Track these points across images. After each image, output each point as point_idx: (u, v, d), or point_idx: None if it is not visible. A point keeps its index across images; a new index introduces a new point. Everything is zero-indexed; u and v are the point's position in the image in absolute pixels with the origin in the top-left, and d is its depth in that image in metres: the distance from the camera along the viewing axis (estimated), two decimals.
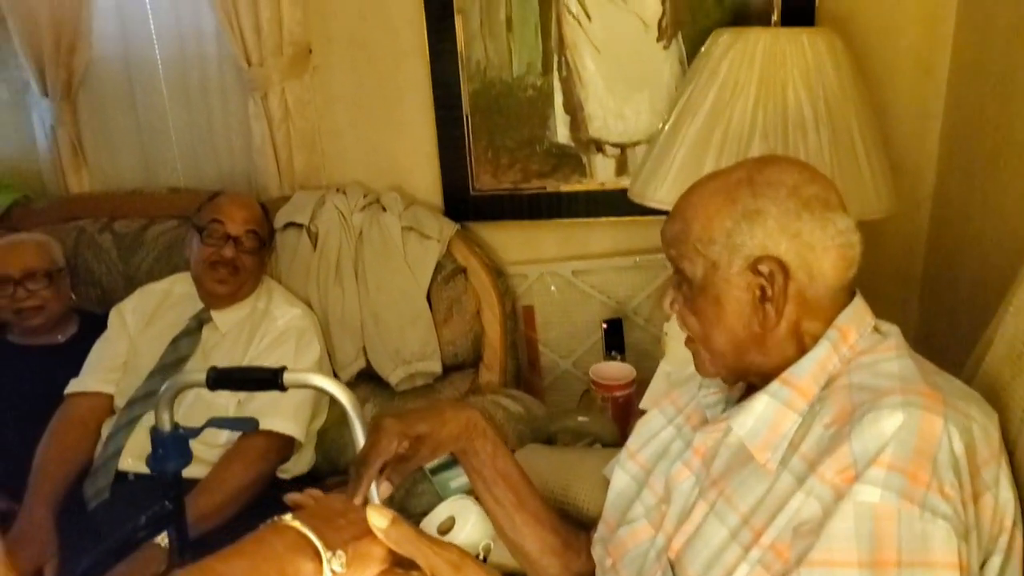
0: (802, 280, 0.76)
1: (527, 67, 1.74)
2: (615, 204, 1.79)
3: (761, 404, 0.78)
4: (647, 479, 0.92)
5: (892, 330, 0.80)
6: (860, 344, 0.78)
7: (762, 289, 0.77)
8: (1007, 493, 0.69)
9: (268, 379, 0.94)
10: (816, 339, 0.78)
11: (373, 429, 0.81)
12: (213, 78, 1.91)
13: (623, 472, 0.97)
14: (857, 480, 0.65)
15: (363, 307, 1.66)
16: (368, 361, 1.67)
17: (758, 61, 1.23)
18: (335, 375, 1.63)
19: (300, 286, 1.68)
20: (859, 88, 1.27)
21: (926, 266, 1.70)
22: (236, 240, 1.51)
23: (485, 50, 1.74)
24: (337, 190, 1.81)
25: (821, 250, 0.76)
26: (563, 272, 1.86)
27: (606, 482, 1.01)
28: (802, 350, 0.79)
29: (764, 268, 0.76)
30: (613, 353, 1.68)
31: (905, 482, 0.64)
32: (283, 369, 0.95)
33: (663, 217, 0.86)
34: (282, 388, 0.95)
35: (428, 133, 1.84)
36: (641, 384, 1.50)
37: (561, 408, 1.52)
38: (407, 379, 1.65)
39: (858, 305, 0.80)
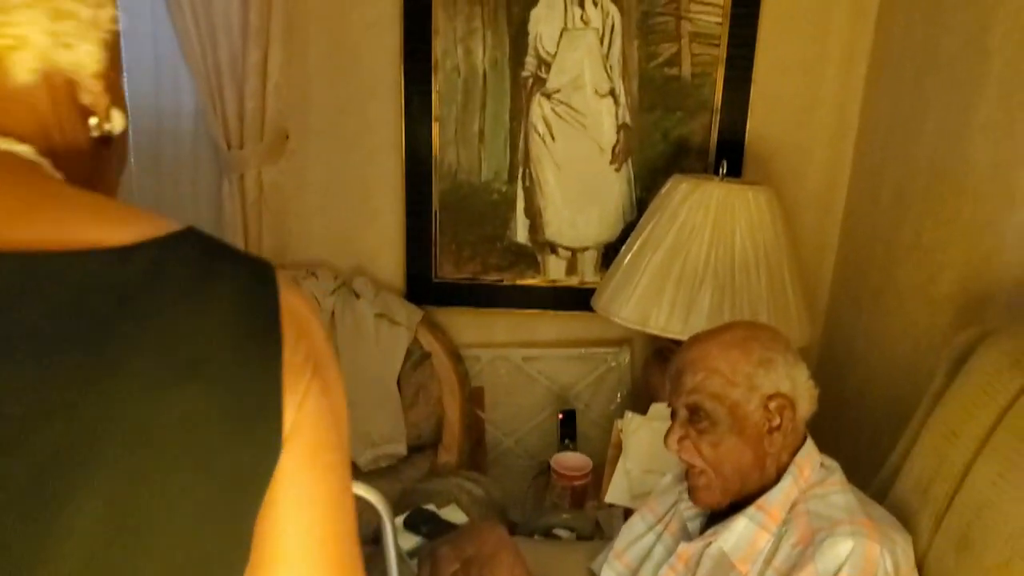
0: (797, 415, 1.00)
1: (494, 174, 1.93)
2: (564, 299, 2.00)
3: (741, 525, 0.99)
4: None
5: (834, 465, 1.04)
6: (812, 477, 1.01)
7: (771, 421, 0.98)
8: None
9: None
10: (785, 467, 1.01)
11: (430, 560, 0.95)
12: (187, 154, 1.95)
13: (611, 571, 1.16)
14: None
15: None
16: None
17: (712, 210, 1.48)
18: None
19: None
20: (787, 236, 1.56)
21: (817, 371, 2.02)
22: None
23: (457, 156, 1.92)
24: (307, 271, 1.90)
25: (803, 391, 1.00)
26: (514, 357, 2.04)
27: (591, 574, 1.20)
28: (776, 475, 1.01)
29: (774, 404, 0.98)
30: (567, 442, 1.87)
31: None
32: None
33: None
34: None
35: (397, 222, 1.98)
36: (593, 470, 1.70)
37: (534, 500, 1.68)
38: (373, 460, 1.76)
39: (809, 445, 1.04)
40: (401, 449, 1.77)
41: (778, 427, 0.98)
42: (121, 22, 0.54)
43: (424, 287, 2.00)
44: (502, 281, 2.01)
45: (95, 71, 0.50)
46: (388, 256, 2.01)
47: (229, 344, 0.44)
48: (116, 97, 0.54)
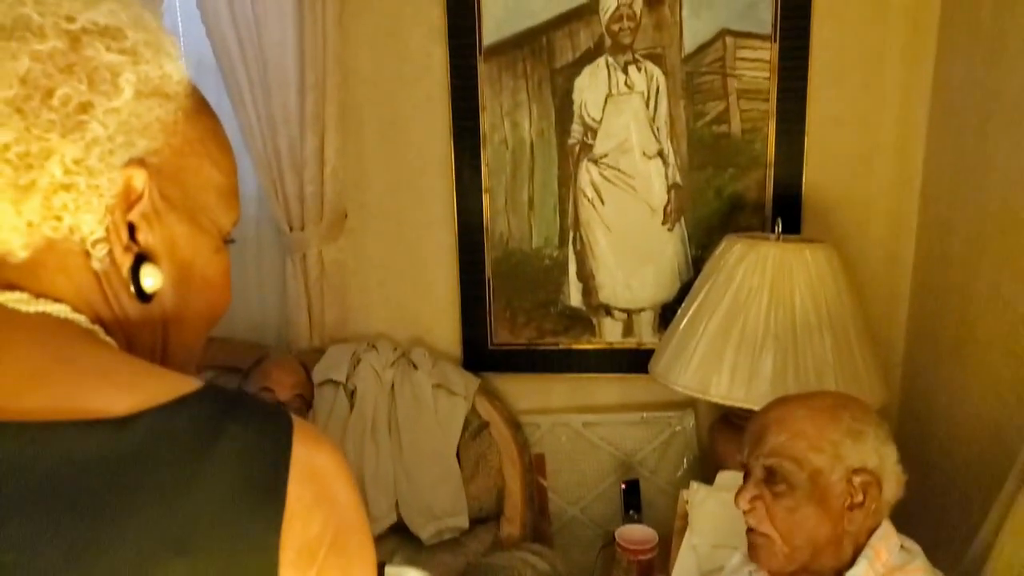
0: (879, 495, 0.94)
1: (545, 240, 1.94)
2: (622, 362, 1.97)
3: None
4: None
5: (916, 549, 0.97)
6: (891, 561, 0.94)
7: (851, 496, 0.93)
8: None
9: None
10: (860, 548, 0.94)
11: None
12: (251, 236, 2.04)
13: None
14: None
15: (396, 463, 1.77)
16: (399, 515, 1.76)
17: (769, 271, 1.44)
18: None
19: (336, 441, 1.78)
20: (852, 294, 1.50)
21: (898, 430, 1.91)
22: (284, 405, 1.62)
23: (508, 224, 1.94)
24: (368, 344, 1.93)
25: (891, 472, 0.94)
26: (574, 423, 2.01)
27: None
28: (853, 557, 0.94)
29: (858, 480, 0.92)
30: (631, 513, 1.81)
31: None
32: (383, 564, 1.05)
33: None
34: None
35: (451, 293, 2.01)
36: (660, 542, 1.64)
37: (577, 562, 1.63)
38: (436, 534, 1.74)
39: (887, 527, 0.97)
40: (463, 522, 1.75)
41: (860, 504, 0.92)
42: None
43: (480, 355, 2.01)
44: (558, 345, 1.99)
45: (99, 238, 0.50)
46: (445, 326, 2.03)
47: (222, 517, 0.43)
48: (154, 253, 0.53)
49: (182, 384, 0.47)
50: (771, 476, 0.97)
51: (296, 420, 0.49)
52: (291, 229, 1.94)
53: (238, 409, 0.47)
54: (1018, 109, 1.41)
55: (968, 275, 1.58)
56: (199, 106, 0.57)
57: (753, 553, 1.01)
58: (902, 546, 0.97)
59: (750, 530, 1.00)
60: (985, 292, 1.51)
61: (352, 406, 1.80)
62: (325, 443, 0.49)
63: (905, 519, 1.85)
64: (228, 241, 0.60)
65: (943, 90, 1.74)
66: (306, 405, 1.67)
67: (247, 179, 2.01)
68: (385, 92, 1.94)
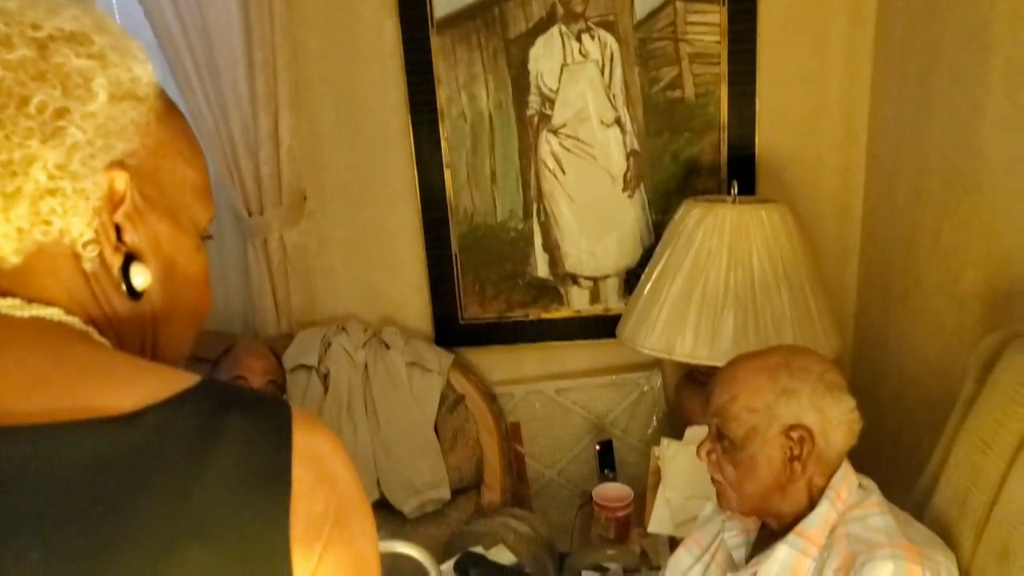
0: (821, 445, 1.00)
1: (510, 213, 1.97)
2: (590, 328, 2.02)
3: (783, 552, 0.99)
4: None
5: (871, 485, 1.04)
6: (850, 499, 1.01)
7: (790, 450, 0.99)
8: None
9: None
10: (821, 491, 1.01)
11: None
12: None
13: None
14: None
15: (374, 441, 1.80)
16: (381, 492, 1.79)
17: (727, 233, 1.49)
18: None
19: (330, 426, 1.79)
20: (806, 250, 1.56)
21: (852, 376, 2.01)
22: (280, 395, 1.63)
23: (472, 199, 1.96)
24: (337, 327, 1.94)
25: (836, 423, 1.00)
26: (547, 390, 2.06)
27: None
28: (811, 499, 1.02)
29: (795, 434, 0.99)
30: (607, 472, 1.88)
31: None
32: None
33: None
34: None
35: (419, 270, 2.02)
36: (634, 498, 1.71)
37: (586, 542, 1.68)
38: (418, 507, 1.78)
39: (846, 467, 1.04)
40: (445, 494, 1.80)
41: (798, 457, 0.99)
42: None
43: (452, 330, 2.03)
44: (528, 316, 2.03)
45: (89, 239, 0.51)
46: (414, 303, 2.05)
47: (232, 501, 0.46)
48: (141, 252, 0.55)
49: (181, 379, 0.49)
50: (719, 432, 1.04)
51: (294, 408, 0.51)
52: (250, 214, 1.92)
53: (238, 401, 0.50)
54: (956, 65, 1.47)
55: (912, 226, 1.66)
56: (169, 108, 0.58)
57: (717, 499, 1.08)
58: (860, 484, 1.04)
59: (712, 479, 1.07)
60: (928, 242, 1.59)
61: (326, 389, 1.82)
62: (322, 427, 0.52)
63: (862, 459, 1.94)
64: (205, 238, 0.62)
65: (885, 47, 1.79)
66: (279, 390, 1.68)
67: None
68: (338, 68, 1.92)
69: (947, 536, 1.02)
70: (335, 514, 0.49)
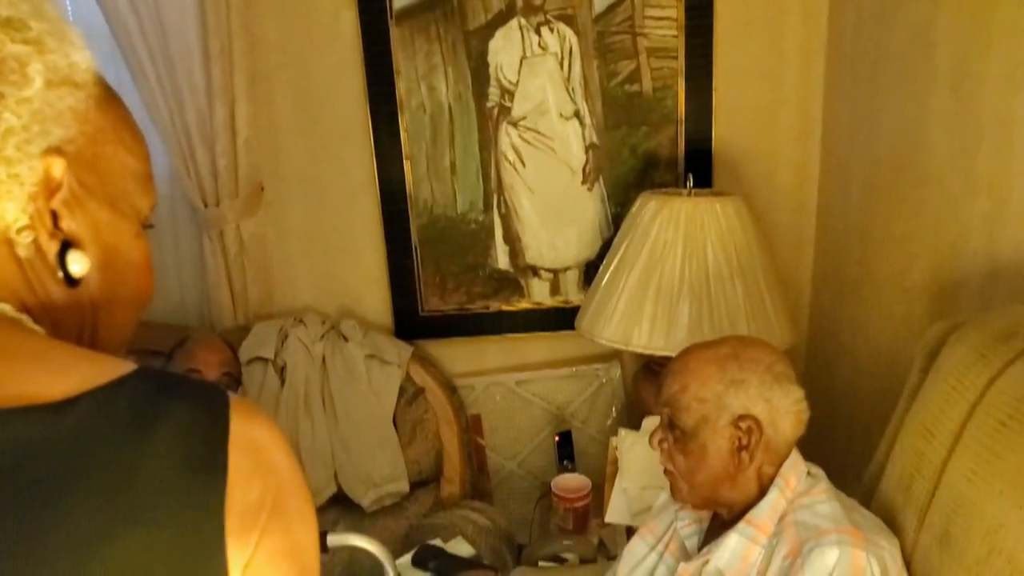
0: (769, 435, 1.02)
1: (470, 205, 1.96)
2: (550, 320, 2.03)
3: (733, 540, 1.01)
4: None
5: (819, 473, 1.06)
6: (799, 487, 1.03)
7: (739, 440, 1.01)
8: None
9: None
10: (771, 479, 1.03)
11: None
12: (165, 215, 1.98)
13: None
14: None
15: (332, 435, 1.78)
16: (339, 485, 1.78)
17: (682, 225, 1.51)
18: None
19: (270, 414, 1.77)
20: (760, 243, 1.58)
21: (807, 366, 2.05)
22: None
23: (432, 190, 1.95)
24: (294, 319, 1.92)
25: (783, 413, 1.02)
26: (507, 382, 2.06)
27: None
28: (760, 488, 1.03)
29: (744, 424, 1.00)
30: (565, 463, 1.89)
31: None
32: (325, 533, 1.08)
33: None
34: (325, 551, 1.08)
35: (378, 262, 2.01)
36: (593, 488, 1.72)
37: (544, 533, 1.70)
38: (377, 500, 1.77)
39: (795, 456, 1.06)
40: (403, 487, 1.79)
41: (746, 446, 1.00)
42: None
43: (412, 322, 2.02)
44: (488, 308, 2.03)
45: (23, 225, 0.50)
46: (374, 295, 2.03)
47: (168, 488, 0.45)
48: (78, 239, 0.54)
49: (116, 367, 0.49)
50: (670, 422, 1.05)
51: (231, 396, 0.51)
52: (206, 205, 1.88)
53: (175, 388, 0.49)
54: (903, 60, 1.51)
55: (864, 219, 1.70)
56: (108, 94, 0.57)
57: (669, 489, 1.09)
58: (809, 472, 1.06)
59: (664, 468, 1.09)
60: (879, 234, 1.62)
61: (283, 382, 1.80)
62: (260, 415, 0.52)
63: (817, 447, 1.98)
64: (147, 226, 0.61)
65: (837, 43, 1.82)
66: (235, 383, 1.66)
67: (156, 157, 1.93)
68: (295, 59, 1.89)
69: (892, 521, 1.05)
70: (273, 503, 0.49)
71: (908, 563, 1.00)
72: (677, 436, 1.05)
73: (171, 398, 0.48)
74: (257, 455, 0.49)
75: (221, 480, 0.47)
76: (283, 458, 0.51)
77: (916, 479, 1.02)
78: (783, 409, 1.01)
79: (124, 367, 0.49)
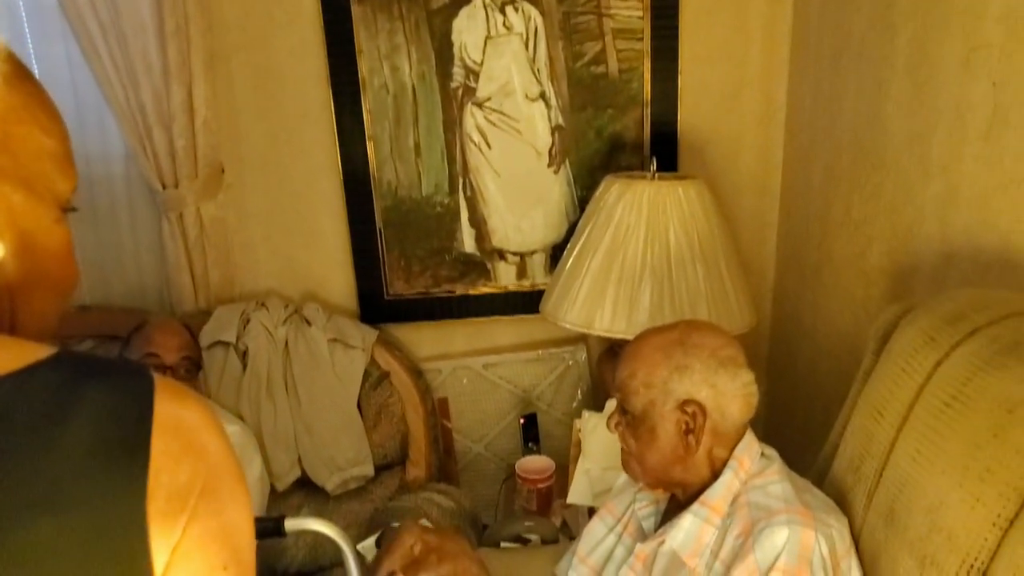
0: (716, 419, 1.03)
1: (435, 187, 1.94)
2: (517, 304, 2.03)
3: (688, 521, 1.02)
4: None
5: (773, 454, 1.08)
6: (753, 468, 1.04)
7: (686, 424, 1.02)
8: (857, 574, 0.98)
9: (271, 528, 1.06)
10: (724, 462, 1.04)
11: (396, 533, 0.97)
12: (121, 196, 1.93)
13: (576, 575, 1.18)
14: None
15: (295, 419, 1.76)
16: (303, 470, 1.77)
17: (645, 208, 1.51)
18: (272, 487, 1.72)
19: (231, 402, 1.75)
20: (722, 226, 1.59)
21: (770, 348, 2.07)
22: (172, 370, 1.57)
23: (396, 172, 1.93)
24: (257, 303, 1.89)
25: (731, 397, 1.03)
26: (474, 366, 2.06)
27: None
28: (713, 470, 1.05)
29: (689, 409, 1.01)
30: (530, 445, 1.89)
31: None
32: (282, 517, 1.07)
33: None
34: (283, 535, 1.07)
35: (342, 244, 1.98)
36: (557, 469, 1.73)
37: (508, 514, 1.71)
38: (341, 484, 1.76)
39: (748, 437, 1.07)
40: (368, 471, 1.78)
41: (692, 431, 1.02)
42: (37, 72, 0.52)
43: (377, 306, 2.01)
44: (455, 292, 2.02)
45: None
46: (338, 279, 2.01)
47: (85, 473, 0.44)
48: None
49: (32, 351, 0.48)
50: (622, 406, 1.07)
51: (158, 377, 0.50)
52: (164, 187, 1.84)
53: (95, 371, 0.48)
54: (864, 44, 1.51)
55: (826, 202, 1.71)
56: (18, 71, 0.55)
57: (628, 473, 1.11)
58: (763, 453, 1.07)
59: (621, 450, 1.10)
60: (840, 218, 1.64)
61: (245, 366, 1.78)
62: (189, 397, 0.51)
63: (779, 428, 2.01)
64: (69, 210, 0.59)
65: (802, 27, 1.83)
66: (195, 367, 1.64)
67: (112, 136, 1.89)
68: (255, 38, 1.85)
69: (842, 501, 1.06)
70: (203, 485, 0.48)
71: (856, 541, 1.02)
72: (629, 420, 1.06)
73: (90, 382, 0.47)
74: (186, 437, 0.48)
75: (142, 463, 0.46)
76: (214, 440, 0.50)
77: (866, 459, 1.04)
78: (730, 393, 1.02)
79: (40, 352, 0.47)
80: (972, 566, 0.79)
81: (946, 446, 0.87)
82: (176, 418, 0.48)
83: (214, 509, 0.48)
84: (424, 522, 1.02)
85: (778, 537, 0.92)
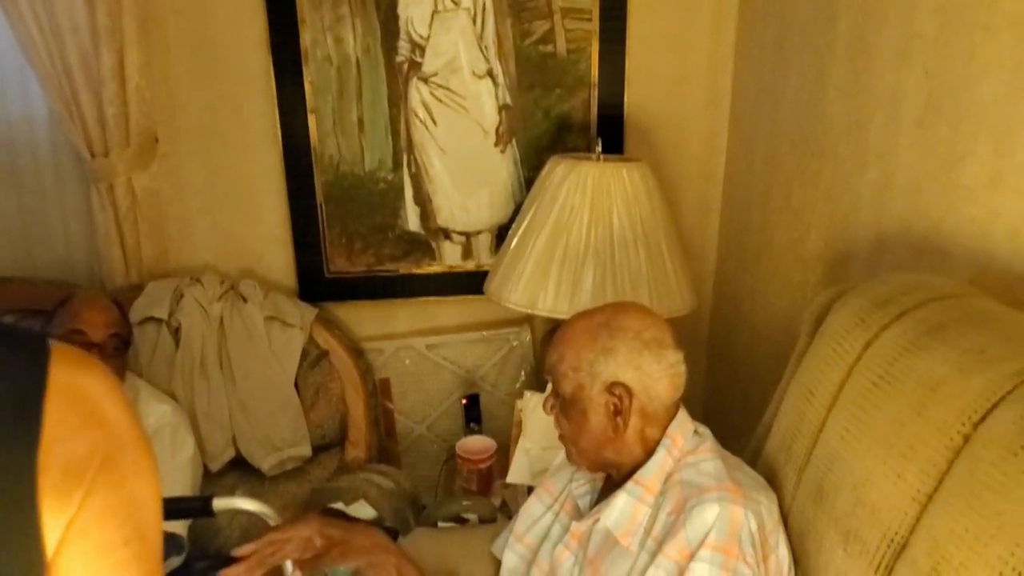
0: (643, 399, 1.03)
1: (379, 163, 1.90)
2: (462, 284, 2.01)
3: (621, 500, 1.03)
4: (534, 558, 1.14)
5: (706, 432, 1.09)
6: (686, 446, 1.05)
7: (614, 406, 1.02)
8: (784, 551, 1.00)
9: (198, 508, 1.03)
10: (656, 441, 1.05)
11: (296, 519, 0.95)
12: (46, 162, 1.84)
13: (512, 553, 1.18)
14: (692, 559, 0.92)
15: (230, 398, 1.71)
16: (238, 450, 1.72)
17: (589, 190, 1.50)
18: (205, 467, 1.67)
19: (164, 381, 1.69)
20: (665, 210, 1.60)
21: (710, 331, 2.11)
22: (100, 347, 1.51)
23: (338, 146, 1.88)
24: (191, 279, 1.83)
25: (656, 378, 1.03)
26: (417, 346, 2.03)
27: (493, 560, 1.22)
28: (646, 449, 1.05)
29: (615, 391, 1.02)
30: (472, 425, 1.88)
31: (722, 558, 0.91)
32: (210, 496, 1.04)
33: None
34: (212, 515, 1.04)
35: (282, 219, 1.93)
36: (499, 450, 1.73)
37: (447, 494, 1.70)
38: (277, 464, 1.73)
39: (681, 416, 1.08)
40: (305, 451, 1.75)
41: (619, 412, 1.02)
42: None
43: (317, 283, 1.96)
44: (398, 271, 1.99)
45: None
46: (276, 255, 1.96)
47: None
48: None
49: None
50: (555, 389, 1.07)
51: (55, 344, 0.47)
52: (93, 155, 1.76)
53: None
54: (806, 31, 1.53)
55: (766, 188, 1.74)
56: None
57: (567, 455, 1.10)
58: (696, 431, 1.08)
59: (560, 436, 1.10)
60: (779, 204, 1.66)
61: (178, 343, 1.72)
62: (90, 365, 0.48)
63: (718, 408, 2.04)
64: None
65: (748, 12, 1.84)
66: (124, 345, 1.57)
67: (35, 99, 1.79)
68: (193, 3, 1.78)
69: (774, 479, 1.09)
70: (103, 457, 0.46)
71: (786, 518, 1.04)
72: (561, 403, 1.06)
73: None
74: (84, 407, 0.45)
75: (33, 433, 0.43)
76: (116, 410, 0.47)
77: (797, 438, 1.06)
78: (655, 374, 1.02)
79: None
80: (893, 540, 0.81)
81: (873, 424, 0.89)
82: (74, 386, 0.45)
83: (114, 482, 0.46)
84: (339, 505, 0.99)
85: (708, 514, 0.93)
